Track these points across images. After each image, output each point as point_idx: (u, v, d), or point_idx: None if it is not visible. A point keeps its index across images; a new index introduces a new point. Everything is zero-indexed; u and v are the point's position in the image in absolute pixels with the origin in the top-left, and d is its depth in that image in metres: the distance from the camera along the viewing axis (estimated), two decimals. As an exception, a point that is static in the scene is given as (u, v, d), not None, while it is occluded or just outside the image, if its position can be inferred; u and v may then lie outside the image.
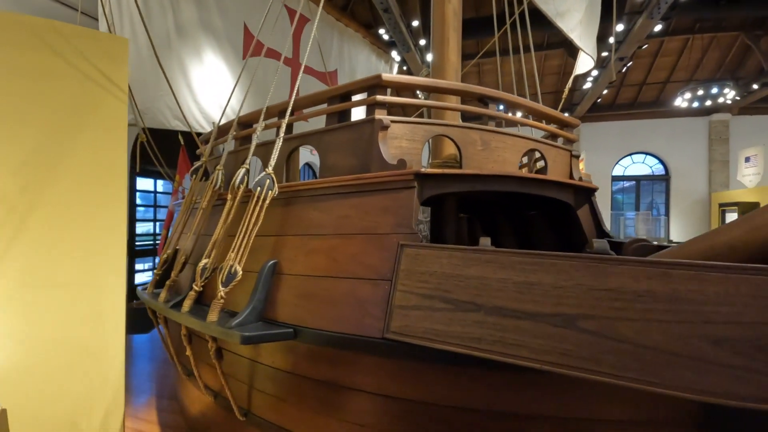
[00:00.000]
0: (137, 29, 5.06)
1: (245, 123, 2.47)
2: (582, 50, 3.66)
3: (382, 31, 8.41)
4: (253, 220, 1.91)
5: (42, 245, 1.99)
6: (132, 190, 7.71)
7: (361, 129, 1.82)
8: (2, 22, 1.78)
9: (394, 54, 9.28)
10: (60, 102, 1.98)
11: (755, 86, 10.99)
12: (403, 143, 1.86)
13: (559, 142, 2.53)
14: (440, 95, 2.36)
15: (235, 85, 3.28)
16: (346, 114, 1.97)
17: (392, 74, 1.69)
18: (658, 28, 8.04)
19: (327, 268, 1.70)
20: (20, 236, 1.89)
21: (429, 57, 9.95)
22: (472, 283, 1.28)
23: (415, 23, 8.33)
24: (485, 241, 1.46)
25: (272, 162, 1.97)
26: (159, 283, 2.64)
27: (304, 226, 1.87)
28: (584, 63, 4.03)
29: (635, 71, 12.57)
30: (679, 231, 13.88)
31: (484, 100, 2.17)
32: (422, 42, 9.20)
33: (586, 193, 2.34)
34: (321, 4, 2.14)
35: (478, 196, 2.72)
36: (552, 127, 2.42)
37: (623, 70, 11.14)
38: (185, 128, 5.64)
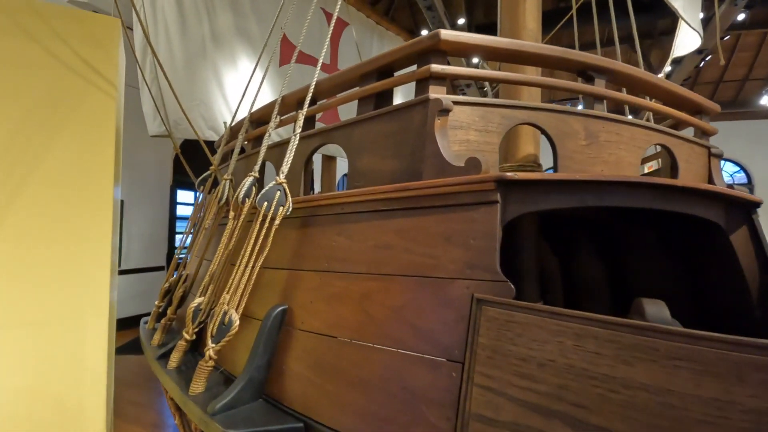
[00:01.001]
0: (172, 38, 4.88)
1: (259, 120, 1.96)
2: (688, 24, 2.84)
3: (424, 32, 7.89)
4: (257, 247, 1.36)
5: (7, 273, 1.58)
6: (172, 203, 7.72)
7: (407, 116, 1.22)
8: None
9: (438, 57, 8.70)
10: (35, 95, 1.59)
11: None
12: (471, 135, 1.23)
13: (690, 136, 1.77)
14: (516, 68, 1.70)
15: (257, 89, 2.83)
16: (385, 98, 1.38)
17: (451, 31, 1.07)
18: (741, 17, 6.80)
19: (357, 327, 1.10)
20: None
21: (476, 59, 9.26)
22: (639, 399, 0.62)
23: (461, 21, 7.72)
24: (655, 308, 0.79)
25: (284, 167, 1.42)
26: (162, 316, 2.18)
27: (326, 257, 1.29)
28: (686, 42, 3.19)
29: (709, 68, 11.11)
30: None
31: (587, 74, 1.49)
32: (468, 42, 8.56)
33: (744, 209, 1.55)
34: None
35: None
36: (684, 115, 1.67)
37: (701, 65, 9.75)
38: (217, 138, 5.42)
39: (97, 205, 1.71)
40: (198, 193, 2.15)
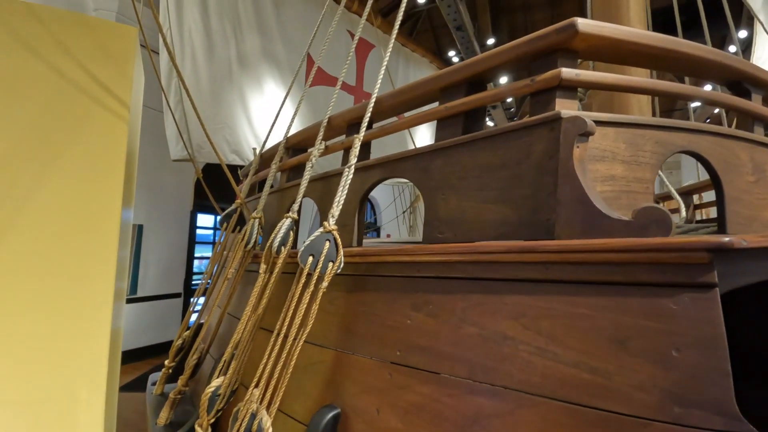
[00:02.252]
0: (199, 61, 4.76)
1: (296, 147, 1.62)
2: None
3: (452, 53, 7.71)
4: (298, 317, 0.98)
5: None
6: (192, 227, 7.53)
7: (522, 143, 0.85)
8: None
9: (464, 78, 8.49)
10: (32, 115, 1.30)
11: None
12: (616, 169, 0.85)
13: None
14: (620, 70, 1.31)
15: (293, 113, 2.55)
16: (477, 118, 1.01)
17: (590, 21, 0.69)
18: None
19: (461, 473, 0.69)
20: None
21: (504, 79, 9.00)
22: None
23: (491, 41, 7.49)
24: None
25: (335, 209, 1.06)
26: (173, 377, 1.81)
27: (397, 342, 0.90)
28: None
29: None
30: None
31: (741, 87, 1.09)
32: (496, 63, 8.33)
33: None
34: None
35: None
36: None
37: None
38: (242, 162, 5.22)
39: (99, 250, 1.38)
40: (221, 232, 1.81)
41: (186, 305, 7.27)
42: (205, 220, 7.71)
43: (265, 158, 1.86)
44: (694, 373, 0.57)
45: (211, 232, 7.90)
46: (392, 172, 1.10)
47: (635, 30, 0.88)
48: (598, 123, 0.82)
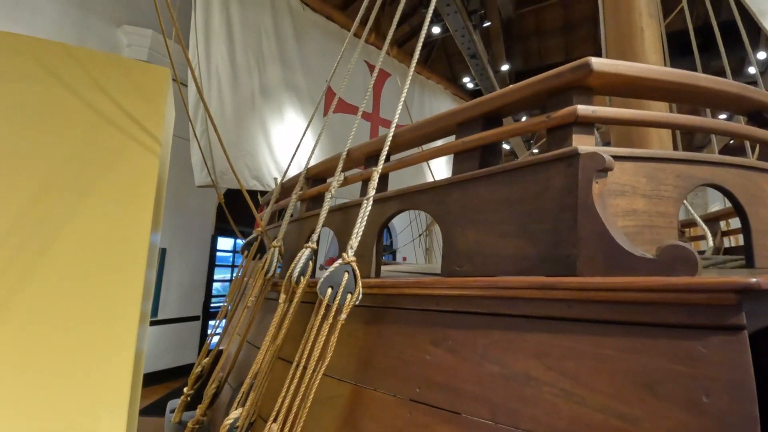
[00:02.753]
0: (224, 93, 5.03)
1: (316, 177, 1.67)
2: None
3: (466, 79, 7.86)
4: (317, 350, 0.99)
5: (10, 377, 1.28)
6: (212, 250, 7.69)
7: (540, 177, 0.85)
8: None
9: (479, 103, 8.63)
10: (69, 150, 1.39)
11: None
12: (637, 204, 0.84)
13: None
14: (641, 104, 1.32)
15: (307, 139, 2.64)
16: (494, 153, 1.03)
17: (604, 60, 0.70)
18: None
19: None
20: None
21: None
22: None
23: (505, 67, 7.61)
24: None
25: (354, 241, 1.08)
26: (191, 405, 1.81)
27: (416, 378, 0.89)
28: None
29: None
30: None
31: (762, 117, 1.08)
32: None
33: None
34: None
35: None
36: None
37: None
38: (263, 188, 5.40)
39: (130, 261, 1.43)
40: (242, 259, 1.85)
41: (204, 328, 7.34)
42: (224, 243, 7.88)
43: (286, 188, 1.92)
44: (723, 419, 0.54)
45: (230, 254, 8.04)
46: (410, 204, 1.12)
47: (650, 67, 0.89)
48: (617, 158, 0.83)
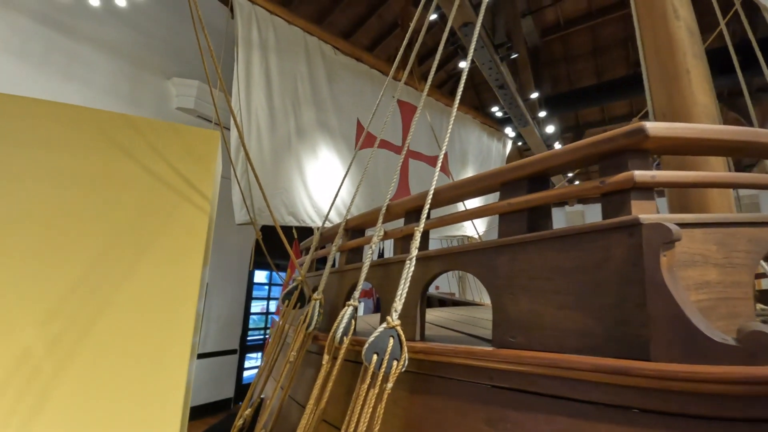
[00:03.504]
0: (263, 135, 5.35)
1: (356, 228, 1.69)
2: None
3: (495, 108, 7.87)
4: (363, 423, 0.95)
5: (86, 386, 1.34)
6: (249, 284, 7.89)
7: (599, 246, 0.81)
8: (66, 117, 1.45)
9: (508, 130, 8.59)
10: (128, 212, 1.51)
11: None
12: (710, 275, 0.77)
13: None
14: (695, 163, 1.24)
15: (344, 177, 2.71)
16: (542, 215, 0.99)
17: (658, 123, 0.67)
18: None
19: None
20: (39, 416, 1.28)
21: (551, 129, 8.93)
22: None
23: (534, 95, 7.57)
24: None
25: (398, 303, 1.06)
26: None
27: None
28: None
29: None
30: None
31: None
32: (541, 114, 8.36)
33: None
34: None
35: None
36: None
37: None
38: (298, 223, 5.58)
39: (179, 321, 1.49)
40: (281, 308, 1.87)
41: (241, 361, 7.42)
42: (260, 275, 8.09)
43: (325, 237, 1.95)
44: None
45: (266, 286, 8.22)
46: (454, 264, 1.10)
47: (708, 127, 0.84)
48: (684, 225, 0.77)
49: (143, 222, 1.50)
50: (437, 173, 1.28)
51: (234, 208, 5.26)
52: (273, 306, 8.26)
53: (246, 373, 7.40)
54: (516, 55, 6.49)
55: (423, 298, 1.19)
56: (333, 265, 1.61)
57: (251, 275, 7.76)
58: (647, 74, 1.59)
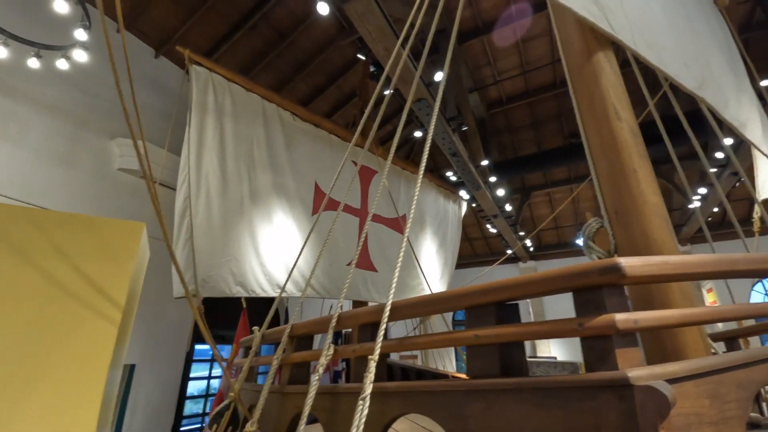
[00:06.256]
0: (212, 199, 5.05)
1: (302, 337, 1.46)
2: None
3: (449, 173, 8.23)
4: None
5: None
6: (187, 363, 6.99)
7: (586, 406, 0.68)
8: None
9: (463, 193, 8.95)
10: (15, 330, 1.18)
11: None
12: (710, 440, 0.66)
13: None
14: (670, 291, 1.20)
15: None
16: (516, 352, 0.86)
17: (633, 259, 0.59)
18: None
19: None
20: None
21: (501, 192, 9.44)
22: None
23: (484, 162, 8.05)
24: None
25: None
26: None
27: None
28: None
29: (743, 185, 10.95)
30: None
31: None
32: (492, 179, 8.87)
33: None
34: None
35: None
36: None
37: (736, 185, 9.59)
38: (247, 294, 5.12)
39: None
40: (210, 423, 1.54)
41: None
42: (202, 351, 7.23)
43: (267, 339, 1.68)
44: None
45: (207, 363, 7.32)
46: (417, 406, 0.91)
47: (682, 259, 0.80)
48: (675, 380, 0.67)
49: (36, 341, 1.18)
50: (395, 279, 1.14)
51: (173, 279, 4.75)
52: (215, 385, 7.30)
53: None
54: (466, 128, 6.95)
55: (382, 441, 0.97)
56: (273, 382, 1.35)
57: (189, 355, 6.89)
58: (595, 170, 1.63)
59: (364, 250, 6.74)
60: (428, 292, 7.44)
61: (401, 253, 1.21)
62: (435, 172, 10.92)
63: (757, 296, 11.65)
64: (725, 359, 0.73)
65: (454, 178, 8.58)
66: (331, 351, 1.16)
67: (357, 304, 6.54)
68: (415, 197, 1.38)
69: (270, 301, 6.86)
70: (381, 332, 1.02)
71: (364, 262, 6.56)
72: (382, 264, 6.90)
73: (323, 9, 4.31)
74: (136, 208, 6.33)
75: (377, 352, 0.99)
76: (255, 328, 1.65)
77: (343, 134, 6.82)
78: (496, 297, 0.86)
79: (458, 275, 10.19)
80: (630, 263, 0.71)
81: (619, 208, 1.46)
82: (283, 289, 2.94)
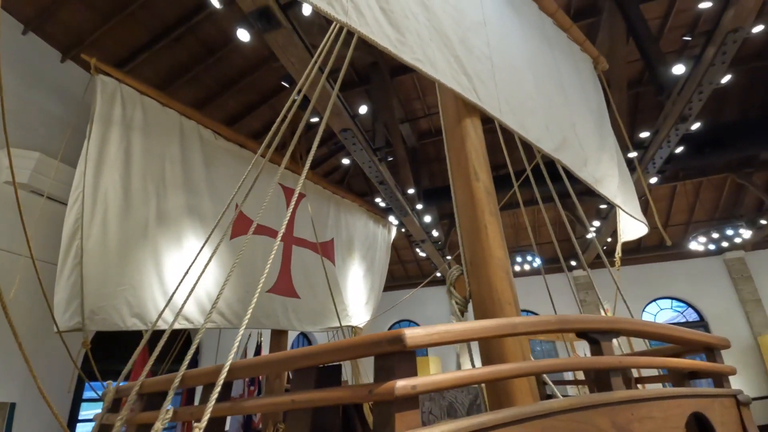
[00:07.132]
0: (110, 221, 4.54)
1: (153, 393, 1.37)
2: (634, 218, 3.00)
3: (378, 199, 8.44)
4: None
5: None
6: (76, 402, 6.11)
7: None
8: None
9: (392, 218, 9.19)
10: None
11: (763, 221, 10.75)
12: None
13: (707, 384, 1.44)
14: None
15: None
16: (329, 414, 0.91)
17: (417, 330, 0.69)
18: (653, 180, 8.06)
19: None
20: None
21: (428, 218, 9.89)
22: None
23: (411, 191, 8.40)
24: None
25: None
26: None
27: None
28: (632, 229, 3.37)
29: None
30: (737, 383, 11.59)
31: (589, 337, 1.16)
32: (419, 206, 9.25)
33: None
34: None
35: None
36: (705, 364, 1.36)
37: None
38: (145, 327, 4.62)
39: None
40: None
41: None
42: (92, 392, 6.37)
43: (122, 393, 1.56)
44: None
45: (99, 404, 6.46)
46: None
47: (463, 327, 0.92)
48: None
49: None
50: (238, 338, 1.14)
51: (55, 311, 4.18)
52: (108, 428, 6.42)
53: None
54: (391, 159, 7.23)
55: None
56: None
57: (78, 392, 6.04)
58: (459, 222, 1.81)
59: (286, 275, 6.52)
60: (357, 325, 7.40)
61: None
62: (369, 196, 11.11)
63: (647, 316, 13.43)
64: (492, 418, 0.85)
65: (383, 204, 8.81)
66: (170, 414, 1.12)
67: (275, 333, 6.25)
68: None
69: (179, 333, 6.28)
70: (214, 396, 1.01)
71: (286, 288, 6.33)
72: (305, 290, 6.71)
73: (244, 36, 4.28)
74: (27, 224, 5.53)
75: (206, 416, 0.98)
76: (109, 382, 1.50)
77: (272, 156, 6.68)
78: (311, 362, 0.91)
79: (391, 297, 10.33)
80: (412, 334, 0.81)
81: (473, 258, 1.63)
82: (175, 319, 2.74)
